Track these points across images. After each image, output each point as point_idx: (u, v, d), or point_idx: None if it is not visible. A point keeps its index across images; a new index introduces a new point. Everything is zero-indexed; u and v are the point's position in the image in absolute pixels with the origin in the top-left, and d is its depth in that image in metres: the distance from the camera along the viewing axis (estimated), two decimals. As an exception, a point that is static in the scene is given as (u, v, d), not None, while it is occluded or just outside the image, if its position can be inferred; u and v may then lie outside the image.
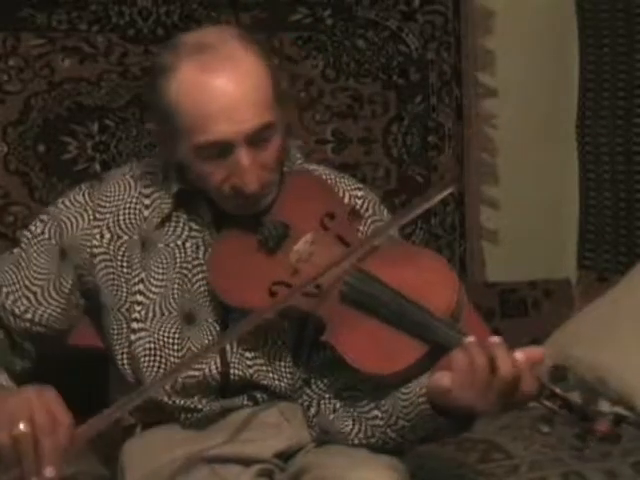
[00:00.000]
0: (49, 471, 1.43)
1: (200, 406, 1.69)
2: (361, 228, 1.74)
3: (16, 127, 2.62)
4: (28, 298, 1.71)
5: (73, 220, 1.73)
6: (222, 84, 1.58)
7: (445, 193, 1.71)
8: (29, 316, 1.71)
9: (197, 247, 1.71)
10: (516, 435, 2.25)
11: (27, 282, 1.71)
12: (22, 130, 2.62)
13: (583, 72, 3.09)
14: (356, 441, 1.63)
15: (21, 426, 1.43)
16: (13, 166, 2.62)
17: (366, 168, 2.95)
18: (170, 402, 1.69)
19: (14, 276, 1.72)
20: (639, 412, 2.30)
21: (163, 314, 1.69)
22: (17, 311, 1.71)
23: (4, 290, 1.71)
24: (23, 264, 1.72)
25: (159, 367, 1.68)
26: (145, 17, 2.70)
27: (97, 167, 2.67)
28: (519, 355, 1.48)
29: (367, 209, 1.76)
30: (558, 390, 1.47)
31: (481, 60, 3.02)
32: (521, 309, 2.98)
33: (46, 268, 1.72)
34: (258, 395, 1.71)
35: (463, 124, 3.03)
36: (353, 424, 1.63)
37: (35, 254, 1.72)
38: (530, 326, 2.90)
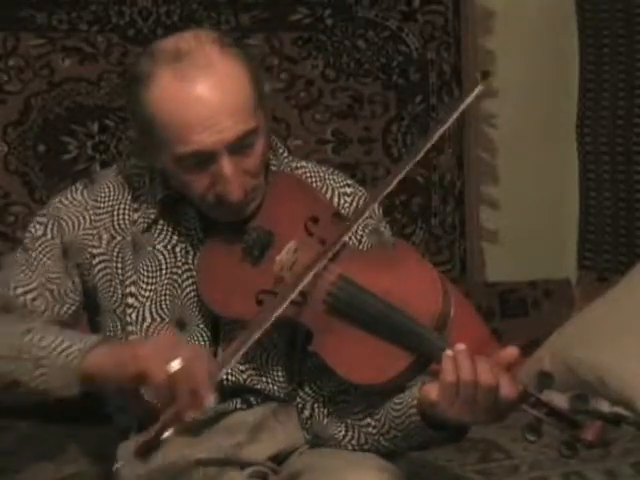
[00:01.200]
0: (209, 400, 1.46)
1: None
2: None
3: (16, 127, 2.62)
4: (45, 297, 1.69)
5: (74, 219, 1.71)
6: (200, 93, 1.54)
7: (475, 94, 1.63)
8: (48, 313, 1.69)
9: (186, 252, 1.70)
10: (516, 435, 2.23)
11: (43, 280, 1.70)
12: (22, 130, 2.62)
13: (583, 72, 3.09)
14: (349, 447, 1.63)
15: (176, 363, 1.46)
16: (13, 166, 2.62)
17: (366, 168, 2.95)
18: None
19: (29, 277, 1.70)
20: (639, 412, 2.30)
21: (154, 319, 1.68)
22: (38, 310, 1.69)
23: (20, 290, 1.69)
24: (35, 263, 1.71)
25: None
26: (145, 17, 2.70)
27: (97, 167, 2.66)
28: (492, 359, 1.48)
29: (357, 206, 1.73)
30: (544, 398, 1.46)
31: (481, 60, 3.02)
32: (521, 309, 2.97)
33: (56, 267, 1.71)
34: (252, 399, 1.70)
35: (463, 124, 3.03)
36: (346, 431, 1.63)
37: (41, 255, 1.71)
38: (530, 326, 2.90)
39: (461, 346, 1.48)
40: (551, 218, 3.14)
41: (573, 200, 3.14)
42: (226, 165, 1.57)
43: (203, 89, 1.55)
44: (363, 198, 1.75)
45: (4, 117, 2.61)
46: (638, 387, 2.34)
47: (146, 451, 1.49)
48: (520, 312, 2.97)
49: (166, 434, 1.47)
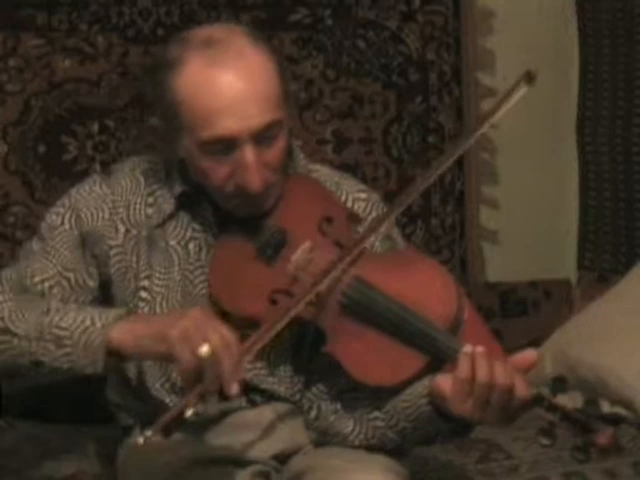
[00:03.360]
0: (234, 388, 1.47)
1: None
2: (361, 230, 1.71)
3: (16, 127, 2.62)
4: (63, 285, 1.70)
5: (93, 211, 1.72)
6: (229, 79, 1.57)
7: (520, 95, 1.59)
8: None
9: (199, 249, 1.71)
10: (516, 435, 2.25)
11: (60, 268, 1.70)
12: (22, 130, 2.62)
13: (583, 72, 3.09)
14: (356, 442, 1.63)
15: (205, 348, 1.46)
16: (13, 166, 2.62)
17: (366, 168, 2.95)
18: (170, 404, 1.68)
19: (46, 265, 1.70)
20: (639, 412, 2.30)
21: None
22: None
23: (37, 278, 1.70)
24: (52, 252, 1.71)
25: (160, 367, 1.68)
26: (145, 17, 2.70)
27: (97, 167, 2.66)
28: (511, 362, 1.49)
29: (370, 211, 1.75)
30: (558, 402, 1.46)
31: (481, 60, 3.02)
32: (521, 309, 2.97)
33: (73, 257, 1.71)
34: (257, 398, 1.70)
35: (463, 124, 3.03)
36: (354, 425, 1.63)
37: (58, 245, 1.72)
38: (530, 326, 2.90)
39: (479, 348, 1.49)
40: (551, 218, 3.14)
41: (573, 200, 3.14)
42: (249, 153, 1.58)
43: (232, 75, 1.57)
44: (377, 204, 1.76)
45: (4, 117, 2.60)
46: (638, 387, 2.34)
47: (169, 428, 1.50)
48: (520, 312, 2.97)
49: (189, 413, 1.48)
